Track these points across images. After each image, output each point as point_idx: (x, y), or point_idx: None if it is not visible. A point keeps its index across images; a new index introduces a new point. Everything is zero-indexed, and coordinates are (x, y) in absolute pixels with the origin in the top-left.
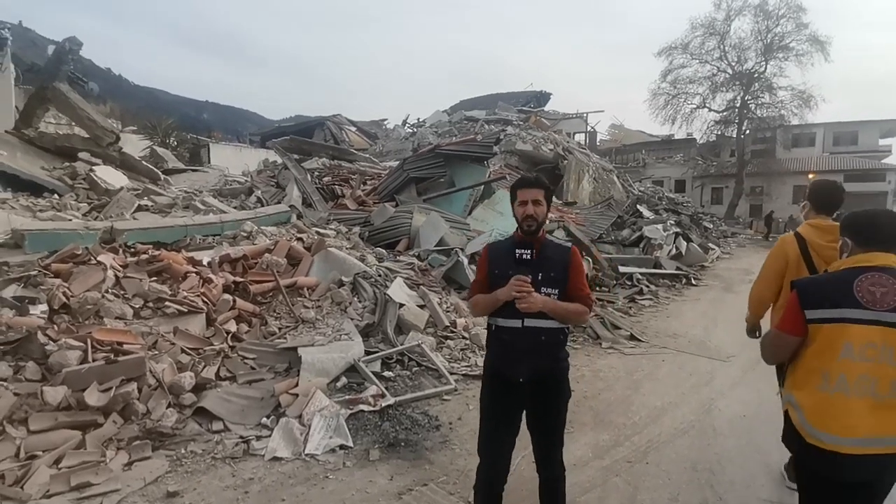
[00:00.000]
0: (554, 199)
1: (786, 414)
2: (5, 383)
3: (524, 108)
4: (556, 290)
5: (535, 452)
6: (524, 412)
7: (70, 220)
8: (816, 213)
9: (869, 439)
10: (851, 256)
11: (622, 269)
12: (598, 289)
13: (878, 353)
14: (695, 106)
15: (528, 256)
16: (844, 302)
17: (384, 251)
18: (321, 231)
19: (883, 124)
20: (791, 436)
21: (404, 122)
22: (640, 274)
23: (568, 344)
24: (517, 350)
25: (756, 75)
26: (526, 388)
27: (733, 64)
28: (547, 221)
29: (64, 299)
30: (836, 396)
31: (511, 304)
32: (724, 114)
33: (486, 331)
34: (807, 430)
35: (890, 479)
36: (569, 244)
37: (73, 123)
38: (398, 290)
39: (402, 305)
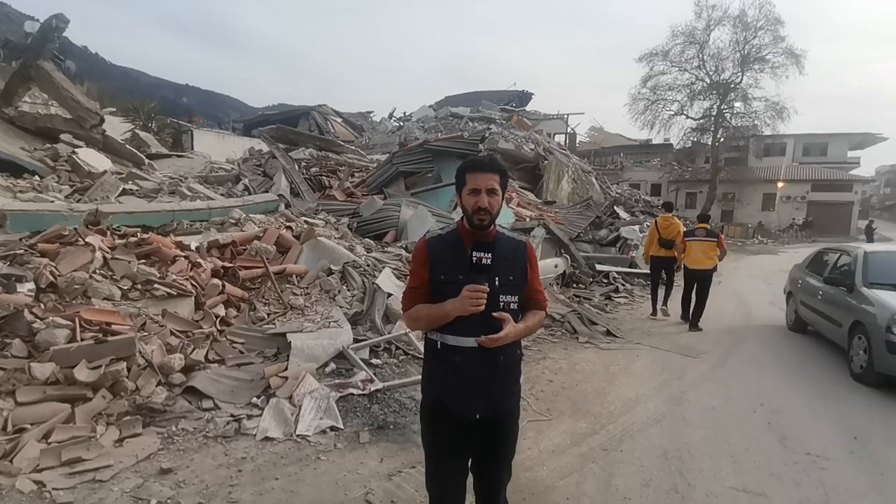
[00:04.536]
0: (534, 197)
1: (682, 265)
2: None
3: (506, 108)
4: (516, 298)
5: (477, 490)
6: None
7: (52, 201)
8: (664, 212)
9: (701, 265)
10: (696, 225)
11: (599, 267)
12: (575, 286)
13: (700, 246)
14: (673, 112)
15: (489, 261)
16: (692, 235)
17: (372, 242)
18: (310, 220)
19: (852, 137)
20: (684, 267)
21: (391, 116)
22: (617, 273)
23: (545, 338)
24: (470, 378)
25: (732, 85)
26: (477, 425)
27: (711, 73)
28: (514, 218)
29: (51, 278)
30: (693, 258)
31: (464, 317)
32: (701, 121)
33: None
34: (687, 265)
35: (705, 276)
36: (523, 238)
37: (52, 103)
38: (386, 280)
39: (390, 295)
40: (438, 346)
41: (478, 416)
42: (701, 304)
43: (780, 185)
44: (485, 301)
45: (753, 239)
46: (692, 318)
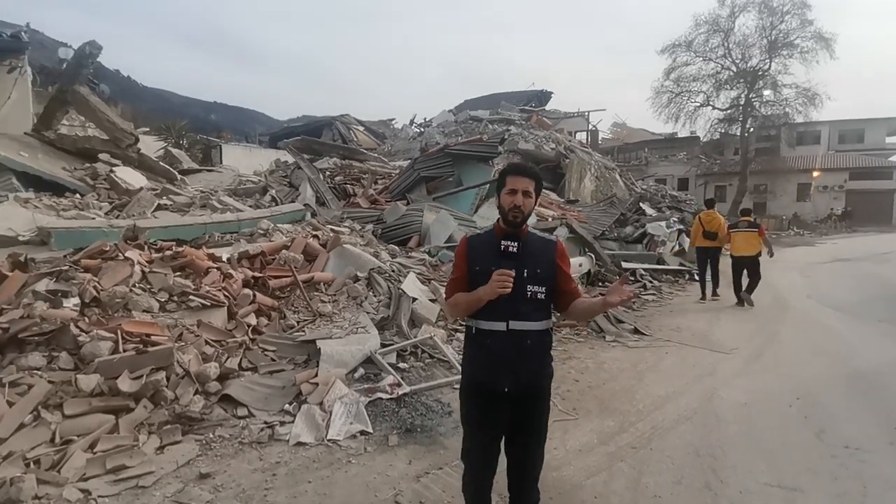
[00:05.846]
0: (556, 196)
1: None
2: (39, 372)
3: (526, 108)
4: (543, 289)
5: (510, 473)
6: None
7: (93, 218)
8: (706, 209)
9: (743, 252)
10: (739, 219)
11: (625, 264)
12: (601, 284)
13: (742, 235)
14: (698, 104)
15: (514, 249)
16: (736, 227)
17: (396, 248)
18: (336, 228)
19: (890, 122)
20: (731, 256)
21: (412, 122)
22: (644, 270)
23: (571, 337)
24: (501, 357)
25: (760, 73)
26: (510, 398)
27: (737, 61)
28: (536, 218)
29: (94, 293)
30: (736, 246)
31: (494, 304)
32: (728, 112)
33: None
34: (732, 253)
35: (749, 262)
36: (554, 238)
37: (89, 125)
38: (411, 285)
39: (415, 300)
40: (473, 331)
41: (506, 390)
42: (753, 281)
43: (815, 174)
44: (511, 284)
45: (789, 231)
46: (745, 291)
